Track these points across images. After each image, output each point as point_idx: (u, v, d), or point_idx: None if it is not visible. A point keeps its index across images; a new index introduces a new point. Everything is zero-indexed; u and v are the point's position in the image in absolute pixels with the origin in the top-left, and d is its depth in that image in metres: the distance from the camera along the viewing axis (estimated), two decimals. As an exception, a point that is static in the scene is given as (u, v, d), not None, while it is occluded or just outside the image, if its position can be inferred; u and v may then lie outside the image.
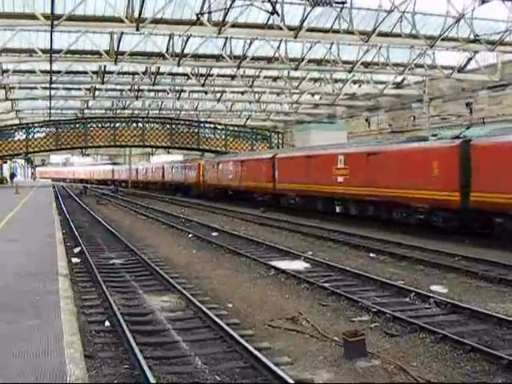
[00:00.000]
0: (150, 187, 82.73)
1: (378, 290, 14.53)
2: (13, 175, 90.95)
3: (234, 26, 33.41)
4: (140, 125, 68.82)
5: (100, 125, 67.74)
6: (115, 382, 8.47)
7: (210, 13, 32.31)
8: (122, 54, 38.70)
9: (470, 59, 46.01)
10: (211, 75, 51.27)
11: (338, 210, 32.29)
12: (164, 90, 61.04)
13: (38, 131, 67.04)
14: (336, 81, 53.62)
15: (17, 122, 73.95)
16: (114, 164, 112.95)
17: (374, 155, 27.87)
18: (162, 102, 71.11)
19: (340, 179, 30.52)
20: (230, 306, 13.10)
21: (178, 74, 53.66)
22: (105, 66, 46.53)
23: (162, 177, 74.68)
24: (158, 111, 74.59)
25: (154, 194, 70.05)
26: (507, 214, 20.26)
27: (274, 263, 18.06)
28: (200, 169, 57.86)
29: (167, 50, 40.24)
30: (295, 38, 34.95)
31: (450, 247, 20.63)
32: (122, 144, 70.47)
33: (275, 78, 55.90)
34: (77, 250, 20.75)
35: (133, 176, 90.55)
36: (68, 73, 48.01)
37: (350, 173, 29.76)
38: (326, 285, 14.77)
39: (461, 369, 9.04)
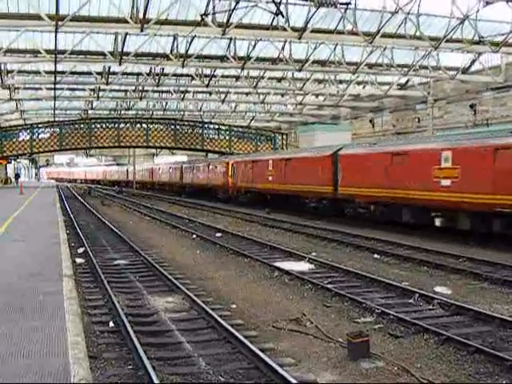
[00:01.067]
0: (166, 189, 76.36)
1: (381, 291, 14.52)
2: (17, 175, 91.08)
3: (238, 26, 33.48)
4: (144, 125, 68.87)
5: (104, 125, 67.82)
6: (119, 382, 8.48)
7: (214, 14, 32.41)
8: (127, 54, 38.78)
9: (474, 60, 46.01)
10: (215, 76, 51.37)
11: (437, 223, 25.14)
12: (168, 91, 61.17)
13: (42, 132, 67.12)
14: (340, 82, 53.70)
15: (21, 122, 74.13)
16: (118, 165, 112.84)
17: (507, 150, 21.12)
18: (166, 103, 71.24)
19: (445, 182, 23.75)
20: (234, 306, 13.10)
21: (182, 75, 53.74)
22: (109, 67, 46.60)
23: (180, 178, 67.68)
24: (162, 112, 74.71)
25: (158, 194, 69.99)
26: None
27: (277, 264, 18.05)
28: (228, 169, 50.14)
29: (171, 50, 40.33)
30: (299, 39, 35.02)
31: (454, 249, 20.62)
32: (126, 145, 70.53)
33: (279, 79, 55.98)
34: (81, 250, 20.76)
35: (146, 177, 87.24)
36: (72, 73, 48.19)
37: (461, 174, 22.90)
38: (330, 286, 14.76)
39: (465, 370, 9.03)
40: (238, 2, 30.93)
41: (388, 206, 27.62)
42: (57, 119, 69.81)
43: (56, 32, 30.45)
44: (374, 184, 27.97)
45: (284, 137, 71.40)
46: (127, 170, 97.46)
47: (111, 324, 11.34)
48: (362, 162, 29.61)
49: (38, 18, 30.96)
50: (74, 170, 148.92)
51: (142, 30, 32.09)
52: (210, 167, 55.99)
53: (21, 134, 67.00)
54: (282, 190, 38.72)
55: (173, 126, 68.64)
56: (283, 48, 41.40)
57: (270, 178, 40.58)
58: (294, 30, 34.74)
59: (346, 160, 31.20)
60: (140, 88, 57.35)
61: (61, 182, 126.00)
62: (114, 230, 27.76)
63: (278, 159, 40.50)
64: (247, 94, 62.60)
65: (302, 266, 17.98)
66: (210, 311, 11.82)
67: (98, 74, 48.08)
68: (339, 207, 32.23)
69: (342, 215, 31.91)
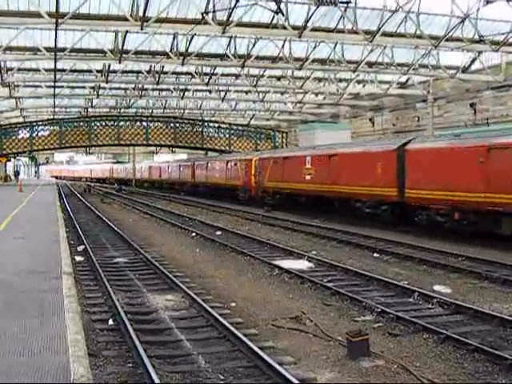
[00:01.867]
0: (176, 188, 69.68)
1: (381, 289, 14.53)
2: (17, 173, 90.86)
3: (238, 25, 33.45)
4: (144, 124, 68.85)
5: (104, 123, 67.78)
6: (119, 379, 8.48)
7: (214, 12, 32.37)
8: (127, 52, 38.76)
9: (474, 59, 46.00)
10: (215, 74, 51.34)
11: None
12: (168, 89, 61.13)
13: (42, 129, 67.07)
14: (340, 80, 53.66)
15: (21, 120, 74.10)
16: (117, 162, 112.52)
17: None
18: (166, 101, 71.19)
19: None
20: (234, 305, 13.10)
21: (182, 73, 53.73)
22: (109, 65, 46.57)
23: (191, 177, 62.34)
24: (162, 110, 74.66)
25: (157, 193, 69.92)
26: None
27: (277, 263, 18.06)
28: (251, 166, 44.50)
29: (171, 48, 40.32)
30: (299, 37, 35.00)
31: (453, 247, 20.63)
32: (126, 143, 70.49)
33: (279, 78, 55.92)
34: (80, 248, 20.78)
35: (153, 175, 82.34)
36: (72, 71, 48.14)
37: None
38: (330, 284, 14.77)
39: (464, 369, 9.04)
40: (238, 1, 30.89)
41: (482, 214, 21.98)
42: (56, 117, 69.75)
43: (56, 30, 30.40)
44: (459, 186, 22.81)
45: (284, 135, 71.35)
46: (138, 168, 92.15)
47: (111, 322, 11.35)
48: (441, 159, 24.09)
49: (37, 15, 30.92)
50: (79, 167, 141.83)
51: (141, 28, 32.06)
52: (229, 165, 50.22)
53: (20, 131, 66.97)
54: (323, 192, 32.67)
55: (172, 124, 68.62)
56: (283, 46, 41.36)
57: (308, 178, 34.52)
58: (294, 28, 34.71)
59: (418, 156, 25.68)
60: (140, 86, 57.30)
61: (64, 181, 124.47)
62: (114, 227, 27.77)
63: (320, 155, 34.26)
64: (247, 92, 62.55)
65: (302, 265, 18.00)
66: (210, 309, 11.82)
67: (98, 71, 48.03)
68: (406, 214, 26.47)
69: (410, 224, 26.06)
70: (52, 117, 69.38)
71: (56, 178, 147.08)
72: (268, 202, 40.41)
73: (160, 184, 79.20)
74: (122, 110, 73.11)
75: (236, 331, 10.27)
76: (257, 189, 43.12)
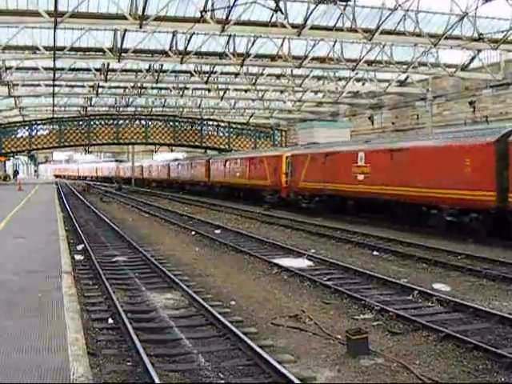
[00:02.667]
0: (189, 189, 63.46)
1: (380, 288, 14.53)
2: (16, 172, 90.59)
3: (237, 23, 33.41)
4: (143, 122, 68.88)
5: (103, 122, 67.81)
6: (118, 378, 8.48)
7: (213, 10, 32.32)
8: (126, 51, 38.72)
9: (473, 58, 45.93)
10: (214, 73, 51.24)
11: None
12: (167, 88, 61.06)
13: (41, 128, 67.16)
14: (339, 79, 53.59)
15: (20, 119, 74.00)
16: (118, 161, 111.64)
17: None
18: (165, 100, 71.07)
19: None
20: (233, 303, 13.10)
21: (181, 72, 53.61)
22: (108, 64, 46.50)
23: (206, 176, 56.85)
24: (161, 109, 74.55)
25: (157, 191, 69.89)
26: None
27: (276, 261, 18.07)
28: (281, 163, 39.02)
29: (170, 47, 40.29)
30: (299, 35, 34.96)
31: (453, 245, 20.63)
32: (125, 141, 70.52)
33: (278, 76, 55.87)
34: (80, 247, 20.78)
35: (162, 174, 75.12)
36: (71, 70, 48.11)
37: None
38: (329, 283, 14.77)
39: (464, 367, 9.04)
40: (237, -1, 30.90)
41: None
42: (56, 116, 69.68)
43: (55, 28, 30.36)
44: None
45: (283, 133, 71.33)
46: (145, 166, 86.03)
47: (110, 321, 11.35)
48: None
49: (36, 14, 30.88)
50: (84, 166, 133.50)
51: (140, 27, 32.01)
52: (253, 162, 44.97)
53: (19, 130, 67.03)
54: (382, 195, 27.27)
55: (172, 123, 68.65)
56: (282, 45, 41.33)
57: (361, 177, 29.09)
58: (293, 26, 34.67)
59: None
60: (139, 85, 57.18)
61: (67, 180, 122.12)
62: (113, 226, 27.77)
63: (378, 150, 28.89)
64: (246, 90, 62.48)
65: (301, 263, 18.00)
66: (209, 308, 11.83)
67: (97, 70, 47.98)
68: (508, 224, 20.91)
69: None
70: (51, 116, 69.28)
71: (59, 177, 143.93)
72: (305, 204, 35.26)
73: (169, 184, 73.09)
74: (121, 109, 73.02)
75: (235, 330, 10.28)
76: (289, 189, 37.61)
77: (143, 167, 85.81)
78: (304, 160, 35.67)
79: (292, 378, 8.02)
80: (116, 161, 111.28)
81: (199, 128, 69.46)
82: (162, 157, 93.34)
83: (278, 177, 39.47)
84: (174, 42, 40.03)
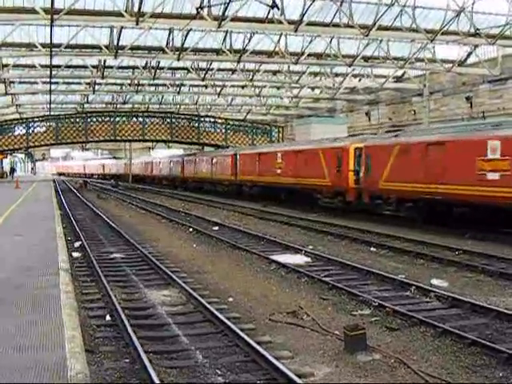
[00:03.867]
0: (209, 189, 55.89)
1: (378, 283, 14.54)
2: (13, 170, 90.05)
3: (234, 19, 33.39)
4: (140, 119, 68.74)
5: (100, 119, 67.66)
6: (116, 375, 8.48)
7: (209, 7, 32.33)
8: (122, 48, 38.68)
9: (470, 53, 45.94)
10: (211, 69, 51.19)
11: None
12: (164, 85, 61.05)
13: (38, 126, 66.98)
14: (336, 75, 53.55)
15: (17, 116, 73.83)
16: (116, 158, 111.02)
17: None
18: (162, 96, 71.07)
19: None
20: (231, 300, 13.10)
21: (178, 68, 53.60)
22: (105, 61, 46.46)
23: (232, 174, 48.70)
24: (158, 105, 74.52)
25: (154, 188, 69.81)
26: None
27: (274, 257, 18.07)
28: (348, 158, 31.34)
29: (167, 44, 40.23)
30: (295, 31, 34.93)
31: (450, 241, 20.64)
32: (123, 138, 70.41)
33: (275, 72, 55.83)
34: (77, 244, 20.77)
35: (174, 171, 68.45)
36: (68, 67, 48.06)
37: None
38: (327, 279, 14.78)
39: (461, 362, 9.05)
40: (233, -5, 30.87)
41: None
42: (53, 113, 69.58)
43: (51, 26, 30.29)
44: None
45: (280, 130, 71.30)
46: (152, 163, 79.82)
47: (108, 318, 11.34)
48: None
49: (33, 11, 30.85)
50: (90, 163, 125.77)
51: (137, 24, 31.98)
52: (302, 156, 36.48)
53: (17, 128, 66.85)
54: None
55: (169, 120, 68.50)
56: (279, 41, 41.30)
57: (493, 176, 20.83)
58: (290, 22, 34.64)
59: None
60: (136, 81, 57.15)
61: (69, 178, 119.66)
62: (111, 223, 27.75)
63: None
64: (243, 87, 62.41)
65: (299, 259, 18.00)
66: (207, 304, 11.82)
67: (94, 67, 47.94)
68: None
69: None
70: (48, 113, 69.20)
71: (62, 175, 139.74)
72: (386, 211, 28.89)
73: (182, 183, 65.86)
74: (118, 106, 73.03)
75: (233, 326, 10.28)
76: (359, 192, 29.86)
77: (153, 164, 79.84)
78: (387, 153, 27.44)
79: (290, 374, 8.01)
80: (114, 158, 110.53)
81: (196, 125, 69.35)
82: (168, 152, 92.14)
83: (342, 174, 31.41)
84: (171, 39, 39.99)
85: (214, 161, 54.19)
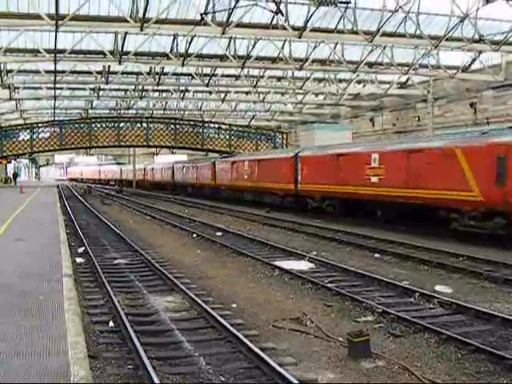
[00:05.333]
0: (253, 200, 44.41)
1: (382, 290, 14.51)
2: (16, 175, 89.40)
3: (238, 25, 33.46)
4: (144, 125, 68.76)
5: (104, 125, 67.71)
6: (119, 381, 8.47)
7: (214, 13, 32.42)
8: (127, 54, 38.79)
9: (474, 59, 46.02)
10: (215, 75, 51.36)
11: None
12: (168, 90, 61.15)
13: (42, 131, 67.02)
14: (340, 81, 53.66)
15: (21, 121, 74.08)
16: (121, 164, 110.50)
17: None
18: (166, 102, 71.23)
19: None
20: (235, 306, 13.08)
21: (182, 74, 53.74)
22: (109, 66, 46.58)
23: (290, 181, 36.70)
24: (162, 111, 74.73)
25: (158, 194, 69.81)
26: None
27: (278, 263, 18.04)
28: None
29: (171, 50, 40.33)
30: (299, 37, 35.00)
31: (454, 247, 20.60)
32: (127, 144, 70.47)
33: (279, 78, 55.95)
34: (81, 249, 20.76)
35: (201, 177, 57.70)
36: (72, 73, 48.19)
37: None
38: (331, 285, 14.75)
39: (465, 369, 9.02)
40: (237, 1, 30.95)
41: None
42: (57, 118, 69.77)
43: (56, 31, 30.45)
44: None
45: (284, 136, 71.35)
46: (173, 168, 71.71)
47: (111, 324, 11.33)
48: None
49: (37, 17, 30.94)
50: (106, 168, 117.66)
51: (141, 29, 32.07)
52: (420, 157, 25.44)
53: (21, 133, 66.92)
54: None
55: (173, 126, 68.53)
56: (283, 47, 41.38)
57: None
58: (294, 28, 34.71)
59: None
60: (140, 87, 57.34)
61: (82, 183, 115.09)
62: (114, 229, 27.74)
63: None
64: (247, 93, 62.55)
65: (303, 265, 17.97)
66: (211, 310, 11.80)
67: (98, 73, 48.06)
68: None
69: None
70: (52, 118, 69.39)
71: (75, 180, 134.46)
72: None
73: (213, 191, 54.85)
74: (122, 112, 73.19)
75: (237, 332, 10.26)
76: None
77: (174, 169, 71.31)
78: None
79: (293, 380, 7.99)
80: (118, 164, 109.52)
81: (200, 130, 69.38)
82: (156, 160, 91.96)
83: (507, 186, 21.01)
84: (175, 45, 40.10)
85: (262, 164, 42.78)
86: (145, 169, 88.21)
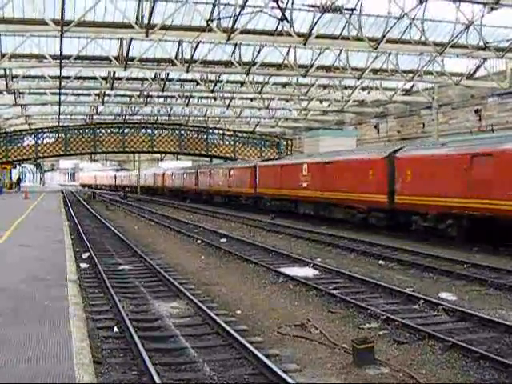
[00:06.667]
0: (321, 215, 34.54)
1: (386, 297, 14.49)
2: (19, 180, 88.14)
3: (243, 32, 33.50)
4: (149, 131, 68.91)
5: (109, 130, 67.87)
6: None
7: (219, 19, 32.46)
8: (132, 59, 38.87)
9: (479, 66, 46.00)
10: (220, 81, 51.41)
11: None
12: (173, 96, 61.23)
13: (47, 136, 67.18)
14: (345, 87, 53.66)
15: (26, 127, 74.23)
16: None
17: None
18: (171, 108, 71.30)
19: None
20: (239, 312, 13.08)
21: (187, 80, 53.79)
22: (114, 72, 46.65)
23: (381, 189, 27.95)
24: (167, 117, 74.84)
25: (162, 200, 69.84)
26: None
27: (282, 270, 18.03)
28: None
29: (176, 56, 40.42)
30: (304, 44, 35.04)
31: (458, 254, 20.59)
32: (131, 150, 70.61)
33: (284, 85, 56.02)
34: (85, 255, 20.78)
35: (239, 183, 48.59)
36: (77, 78, 48.26)
37: None
38: (335, 292, 14.73)
39: (470, 377, 9.00)
40: (242, 8, 30.99)
41: None
42: (62, 124, 69.89)
43: (61, 37, 30.53)
44: None
45: (289, 142, 71.39)
46: (197, 173, 62.06)
47: (116, 329, 11.34)
48: None
49: (43, 23, 31.06)
50: (122, 174, 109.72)
51: (147, 36, 32.14)
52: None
53: (26, 138, 67.08)
54: None
55: (178, 132, 68.64)
56: (288, 53, 41.43)
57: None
58: (299, 35, 34.75)
59: None
60: (145, 93, 57.43)
61: (97, 190, 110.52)
62: (119, 235, 27.77)
63: None
64: (252, 99, 62.64)
65: (307, 272, 17.96)
66: (215, 317, 11.80)
67: (103, 79, 48.17)
68: None
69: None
70: (57, 124, 69.51)
71: (89, 187, 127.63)
72: None
73: (255, 201, 45.65)
74: (127, 117, 73.32)
75: (241, 339, 10.25)
76: None
77: (198, 174, 61.63)
78: None
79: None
80: (122, 170, 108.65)
81: (205, 137, 69.49)
82: (161, 165, 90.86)
83: None
84: (180, 51, 40.21)
85: (329, 168, 33.33)
86: (163, 174, 78.67)
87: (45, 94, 55.58)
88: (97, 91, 55.89)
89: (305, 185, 35.80)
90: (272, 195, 41.54)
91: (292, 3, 33.28)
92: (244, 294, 15.14)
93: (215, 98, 60.85)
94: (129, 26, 32.39)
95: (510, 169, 20.74)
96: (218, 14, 32.73)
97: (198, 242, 26.35)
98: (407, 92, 54.75)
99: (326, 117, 69.52)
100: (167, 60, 41.03)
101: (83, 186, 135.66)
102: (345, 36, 37.19)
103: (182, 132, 68.86)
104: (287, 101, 63.62)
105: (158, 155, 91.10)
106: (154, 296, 14.59)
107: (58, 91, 47.02)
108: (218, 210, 46.17)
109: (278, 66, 45.36)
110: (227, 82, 54.24)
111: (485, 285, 15.83)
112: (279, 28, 35.68)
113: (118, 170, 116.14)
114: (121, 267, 19.03)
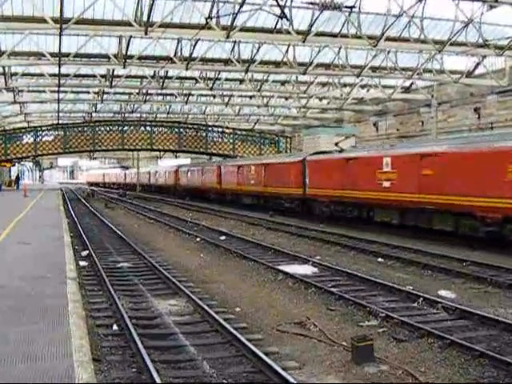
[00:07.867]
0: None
1: (386, 294, 14.50)
2: (17, 178, 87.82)
3: (242, 30, 33.40)
4: (148, 128, 68.92)
5: (108, 128, 67.86)
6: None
7: (218, 17, 32.36)
8: (131, 57, 38.76)
9: (478, 64, 45.93)
10: (219, 79, 51.29)
11: None
12: (172, 94, 61.08)
13: (46, 134, 67.21)
14: (344, 85, 53.57)
15: (25, 125, 74.12)
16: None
17: None
18: (170, 106, 71.14)
19: None
20: (238, 310, 13.09)
21: (186, 78, 53.62)
22: (113, 70, 46.54)
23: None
24: (166, 115, 74.65)
25: (161, 197, 69.82)
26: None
27: (281, 267, 18.04)
28: None
29: (175, 53, 40.32)
30: (303, 42, 34.92)
31: (458, 252, 20.57)
32: (131, 148, 70.58)
33: (283, 83, 55.91)
34: (84, 253, 20.78)
35: (277, 183, 39.91)
36: (76, 76, 48.15)
37: None
38: (334, 289, 14.74)
39: (469, 374, 9.01)
40: (242, 6, 30.93)
41: None
42: (61, 122, 69.76)
43: (60, 35, 30.42)
44: None
45: (288, 140, 71.31)
46: (220, 170, 54.12)
47: (115, 327, 11.34)
48: None
49: (42, 20, 30.96)
50: (131, 171, 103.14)
51: (146, 33, 32.05)
52: None
53: (25, 136, 67.11)
54: None
55: (177, 129, 68.65)
56: (287, 51, 41.33)
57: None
58: (298, 33, 34.67)
59: None
60: (144, 91, 57.27)
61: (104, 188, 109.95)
62: (118, 232, 27.77)
63: None
64: (251, 97, 62.53)
65: (306, 270, 17.97)
66: (214, 314, 11.81)
67: (102, 76, 48.05)
68: None
69: None
70: (56, 122, 69.41)
71: (95, 185, 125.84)
72: None
73: (302, 204, 37.37)
74: (126, 115, 73.18)
75: (240, 336, 10.26)
76: None
77: (222, 171, 54.05)
78: None
79: (297, 385, 7.99)
80: (123, 167, 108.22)
81: (204, 134, 69.49)
82: (160, 163, 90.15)
83: None
84: (179, 49, 40.12)
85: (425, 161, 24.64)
86: (176, 171, 69.85)
87: (44, 91, 55.42)
88: (96, 89, 55.70)
89: (387, 185, 27.19)
90: (330, 197, 32.59)
91: (291, 1, 33.23)
92: (243, 291, 15.15)
93: (214, 96, 60.72)
94: (128, 24, 32.31)
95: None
96: (217, 11, 32.63)
97: (198, 239, 26.35)
98: (406, 90, 54.67)
99: (324, 114, 69.45)
100: (166, 58, 40.92)
101: (90, 184, 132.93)
102: (344, 34, 37.09)
103: (181, 130, 68.89)
104: (286, 98, 63.56)
105: (157, 153, 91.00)
106: (154, 294, 14.60)
107: (56, 89, 46.88)
108: (217, 208, 46.13)
109: (277, 64, 45.29)
110: (226, 79, 54.11)
111: (484, 283, 15.83)
112: (278, 26, 35.62)
113: (127, 168, 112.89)
114: (120, 265, 19.04)
